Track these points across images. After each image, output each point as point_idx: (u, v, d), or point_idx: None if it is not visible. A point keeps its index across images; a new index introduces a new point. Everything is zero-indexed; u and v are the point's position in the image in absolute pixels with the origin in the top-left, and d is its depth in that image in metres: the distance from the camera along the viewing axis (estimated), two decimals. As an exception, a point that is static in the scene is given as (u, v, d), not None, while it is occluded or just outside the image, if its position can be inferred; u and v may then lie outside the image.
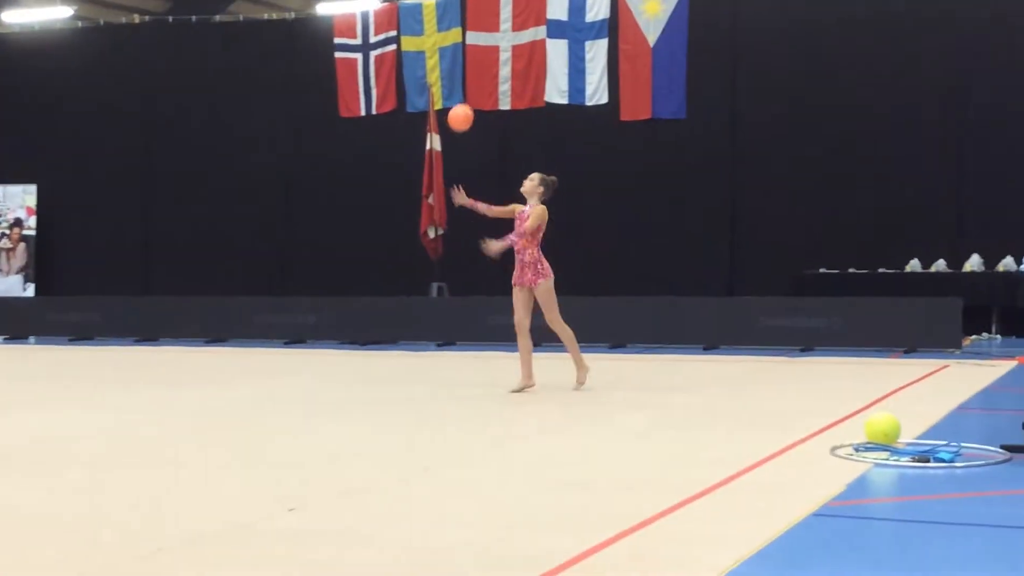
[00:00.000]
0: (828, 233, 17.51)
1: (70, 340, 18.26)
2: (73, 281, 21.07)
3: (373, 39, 19.98)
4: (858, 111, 17.49)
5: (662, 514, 5.54)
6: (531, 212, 10.58)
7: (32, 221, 22.04)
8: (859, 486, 6.29)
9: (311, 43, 20.55)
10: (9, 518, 5.67)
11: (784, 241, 17.74)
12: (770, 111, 18.05)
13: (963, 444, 7.23)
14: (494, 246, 10.65)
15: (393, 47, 19.85)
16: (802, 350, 14.74)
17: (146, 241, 21.51)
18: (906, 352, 14.29)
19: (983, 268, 16.47)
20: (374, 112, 20.05)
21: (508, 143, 19.28)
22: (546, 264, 10.65)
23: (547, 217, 10.63)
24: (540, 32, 19.02)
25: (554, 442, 8.01)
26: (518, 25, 19.15)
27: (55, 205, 21.85)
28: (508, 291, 17.58)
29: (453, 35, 19.46)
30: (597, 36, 18.69)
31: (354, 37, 20.11)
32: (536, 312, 10.72)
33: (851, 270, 16.99)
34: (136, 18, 22.84)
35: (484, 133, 19.10)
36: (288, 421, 9.18)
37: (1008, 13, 16.88)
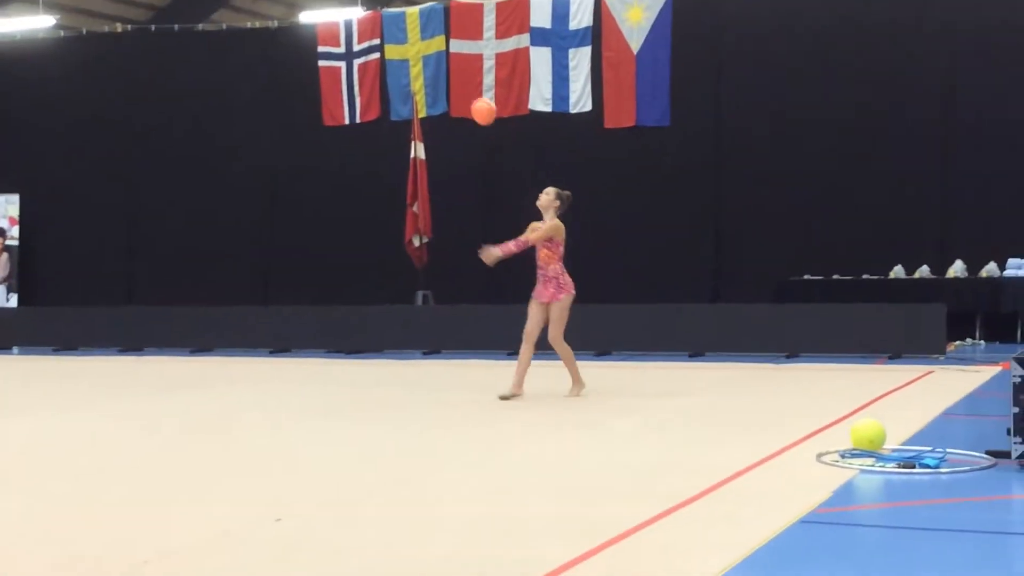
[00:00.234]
0: (812, 239, 17.55)
1: (54, 351, 18.19)
2: (57, 291, 21.00)
3: (356, 47, 19.97)
4: (842, 118, 17.54)
5: (649, 522, 5.53)
6: (545, 225, 10.62)
7: (15, 231, 21.96)
8: (845, 493, 6.29)
9: (294, 52, 20.53)
10: (-8, 530, 5.64)
11: (768, 248, 17.77)
12: (754, 118, 18.09)
13: (948, 450, 7.24)
14: (493, 253, 10.64)
15: (377, 55, 19.84)
16: (787, 356, 14.76)
17: (130, 250, 21.44)
18: (890, 358, 14.32)
19: (966, 274, 16.52)
20: (358, 120, 20.04)
21: (492, 151, 19.29)
22: (568, 279, 10.70)
23: (564, 232, 10.67)
24: (524, 40, 19.04)
25: (541, 449, 7.99)
26: (501, 33, 19.16)
27: (38, 215, 21.77)
28: (493, 300, 17.63)
29: (437, 43, 19.47)
30: (580, 44, 18.71)
31: (337, 45, 20.10)
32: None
33: (835, 276, 17.03)
34: (119, 27, 22.79)
35: (468, 141, 19.17)
36: (273, 430, 9.14)
37: (995, 20, 16.94)
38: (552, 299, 10.60)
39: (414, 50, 19.58)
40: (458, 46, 19.35)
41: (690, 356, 15.20)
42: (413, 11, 19.75)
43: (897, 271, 16.78)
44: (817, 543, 5.29)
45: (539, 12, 18.94)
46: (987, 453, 7.15)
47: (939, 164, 17.25)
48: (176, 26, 21.89)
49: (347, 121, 20.11)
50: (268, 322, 17.69)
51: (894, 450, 7.31)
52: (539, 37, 18.93)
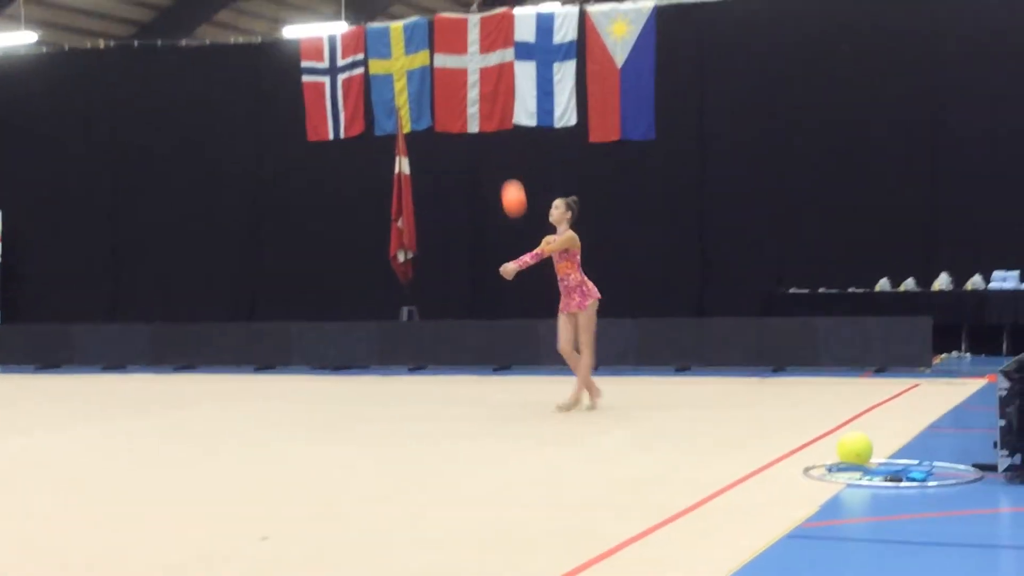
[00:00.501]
0: (798, 253, 17.56)
1: (37, 368, 18.09)
2: (40, 308, 20.89)
3: (340, 62, 19.94)
4: (826, 131, 17.56)
5: (636, 537, 5.50)
6: (559, 237, 10.73)
7: (-3, 248, 21.85)
8: (832, 507, 6.28)
9: (278, 67, 20.48)
10: (-28, 551, 5.58)
11: (754, 261, 17.77)
12: (738, 132, 18.10)
13: (935, 463, 7.23)
14: (510, 268, 10.72)
15: (361, 70, 19.81)
16: (773, 370, 14.76)
17: (114, 267, 21.35)
18: (877, 371, 14.33)
19: (952, 287, 16.54)
20: (342, 136, 20.00)
21: (477, 166, 19.27)
22: (591, 285, 10.85)
23: (579, 241, 10.78)
24: (508, 54, 19.04)
25: (527, 464, 7.97)
26: (486, 47, 19.16)
27: (21, 231, 21.67)
28: (479, 315, 17.67)
29: (421, 58, 19.45)
30: (565, 58, 18.71)
31: (321, 60, 20.07)
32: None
33: (821, 290, 17.04)
34: (101, 43, 22.72)
35: (452, 156, 19.16)
36: (259, 447, 9.10)
37: (980, 35, 16.99)
38: (579, 307, 10.76)
39: (398, 65, 19.57)
40: (442, 60, 19.34)
41: (676, 370, 15.18)
42: (397, 26, 19.74)
43: (883, 284, 16.80)
44: (805, 557, 5.28)
45: (523, 26, 18.94)
46: (974, 466, 7.15)
47: (924, 177, 17.27)
48: (159, 42, 21.83)
49: (331, 136, 20.07)
50: (253, 339, 17.63)
51: (881, 464, 7.30)
52: (523, 51, 18.93)
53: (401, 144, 18.10)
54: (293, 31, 22.38)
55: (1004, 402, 6.72)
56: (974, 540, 5.63)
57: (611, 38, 18.43)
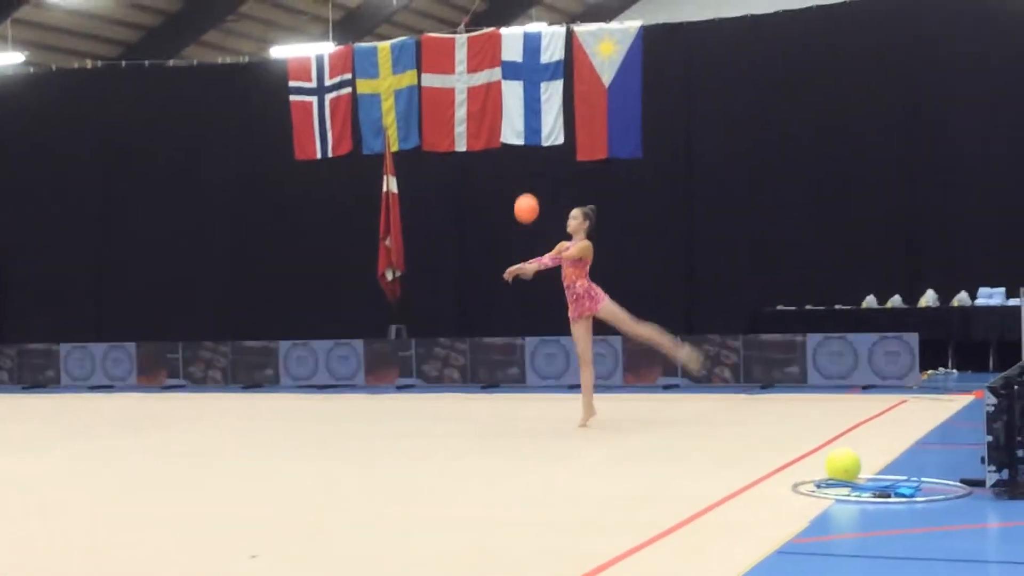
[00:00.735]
0: (784, 270, 17.59)
1: (23, 388, 18.03)
2: (26, 327, 20.82)
3: (328, 82, 19.94)
4: (813, 148, 17.62)
5: (626, 554, 5.51)
6: (575, 245, 10.91)
7: (-16, 268, 21.78)
8: (821, 523, 6.29)
9: (265, 87, 20.48)
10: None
11: (741, 279, 17.81)
12: (726, 149, 18.15)
13: (923, 479, 7.25)
14: (529, 267, 10.79)
15: (348, 90, 19.81)
16: (761, 387, 14.80)
17: (100, 286, 21.29)
18: (864, 388, 14.37)
19: (938, 303, 16.58)
20: (330, 155, 19.98)
21: (464, 185, 19.28)
22: (597, 288, 11.05)
23: (592, 251, 10.98)
24: (495, 74, 19.06)
25: (517, 480, 7.96)
26: (473, 67, 19.18)
27: (7, 251, 21.61)
28: (466, 333, 17.64)
29: (408, 77, 19.46)
30: (552, 77, 18.75)
31: (309, 80, 20.07)
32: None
33: (808, 307, 17.07)
34: (89, 63, 22.73)
35: (440, 175, 19.17)
36: (246, 465, 9.08)
37: (963, 47, 17.07)
38: (591, 310, 10.78)
39: (386, 84, 19.58)
40: (430, 80, 19.34)
41: (664, 388, 15.21)
42: (385, 45, 19.77)
43: (869, 301, 16.84)
44: (794, 573, 5.28)
45: (511, 46, 18.97)
46: (961, 482, 7.17)
47: (910, 194, 17.33)
48: (147, 62, 21.83)
49: (319, 155, 20.05)
50: (240, 357, 17.62)
51: (869, 480, 7.32)
52: (511, 71, 18.95)
53: (389, 163, 18.12)
54: (281, 51, 22.41)
55: (991, 418, 6.74)
56: (962, 555, 5.64)
57: (598, 58, 18.47)
